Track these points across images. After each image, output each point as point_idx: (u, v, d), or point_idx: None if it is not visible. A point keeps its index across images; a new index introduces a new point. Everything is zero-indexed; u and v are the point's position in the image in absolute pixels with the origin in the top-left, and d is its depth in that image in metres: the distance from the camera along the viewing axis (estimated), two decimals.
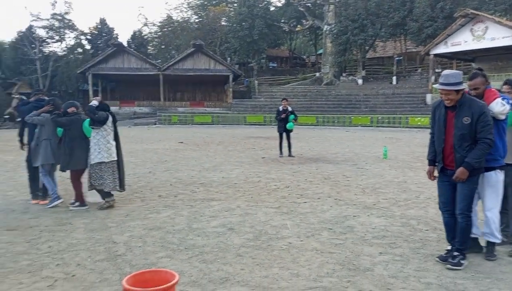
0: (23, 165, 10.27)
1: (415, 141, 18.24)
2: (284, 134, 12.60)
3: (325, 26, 44.90)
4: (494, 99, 3.83)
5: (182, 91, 48.55)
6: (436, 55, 33.51)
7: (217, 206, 6.23)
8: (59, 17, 46.29)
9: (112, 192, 6.19)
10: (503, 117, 3.86)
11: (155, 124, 36.73)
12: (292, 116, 12.41)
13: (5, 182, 8.46)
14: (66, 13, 46.77)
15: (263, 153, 13.85)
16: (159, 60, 49.80)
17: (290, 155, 12.51)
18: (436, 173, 4.04)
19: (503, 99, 3.87)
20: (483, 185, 3.93)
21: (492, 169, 3.87)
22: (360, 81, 42.10)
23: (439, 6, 34.69)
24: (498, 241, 4.00)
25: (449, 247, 4.01)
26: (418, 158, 12.04)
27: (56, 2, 45.97)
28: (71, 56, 47.13)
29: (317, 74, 48.34)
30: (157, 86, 42.98)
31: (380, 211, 5.94)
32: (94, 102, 6.05)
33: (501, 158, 3.92)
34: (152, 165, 10.95)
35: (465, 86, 3.72)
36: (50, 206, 6.25)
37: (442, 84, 3.69)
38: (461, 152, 3.69)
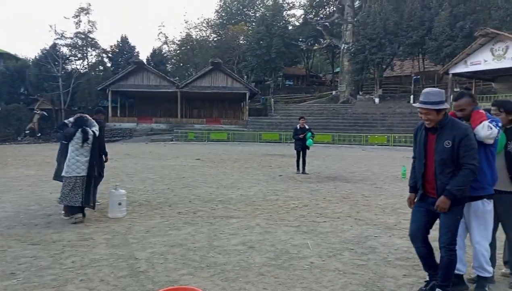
0: (44, 180, 10.52)
1: None
2: (301, 152, 12.82)
3: (343, 45, 45.17)
4: (481, 122, 3.45)
5: (199, 108, 49.20)
6: (455, 74, 33.30)
7: (236, 224, 6.22)
8: (83, 36, 47.63)
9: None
10: (490, 141, 3.45)
11: (172, 140, 37.13)
12: (309, 134, 12.72)
13: (27, 196, 8.58)
14: (90, 32, 48.15)
15: (280, 170, 13.83)
16: (177, 78, 50.65)
17: (303, 172, 12.69)
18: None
19: (491, 122, 3.47)
20: (470, 215, 3.53)
21: (479, 198, 3.48)
22: (377, 100, 42.02)
23: (459, 25, 34.62)
24: (488, 275, 3.58)
25: (427, 278, 3.61)
26: None
27: (80, 22, 47.18)
28: (93, 73, 48.28)
29: (334, 92, 48.47)
30: (174, 103, 43.64)
31: (401, 231, 5.84)
32: (70, 119, 6.30)
33: (489, 186, 3.52)
34: (170, 181, 11.03)
35: (447, 106, 3.33)
36: None
37: (421, 102, 3.32)
38: (442, 178, 3.29)
